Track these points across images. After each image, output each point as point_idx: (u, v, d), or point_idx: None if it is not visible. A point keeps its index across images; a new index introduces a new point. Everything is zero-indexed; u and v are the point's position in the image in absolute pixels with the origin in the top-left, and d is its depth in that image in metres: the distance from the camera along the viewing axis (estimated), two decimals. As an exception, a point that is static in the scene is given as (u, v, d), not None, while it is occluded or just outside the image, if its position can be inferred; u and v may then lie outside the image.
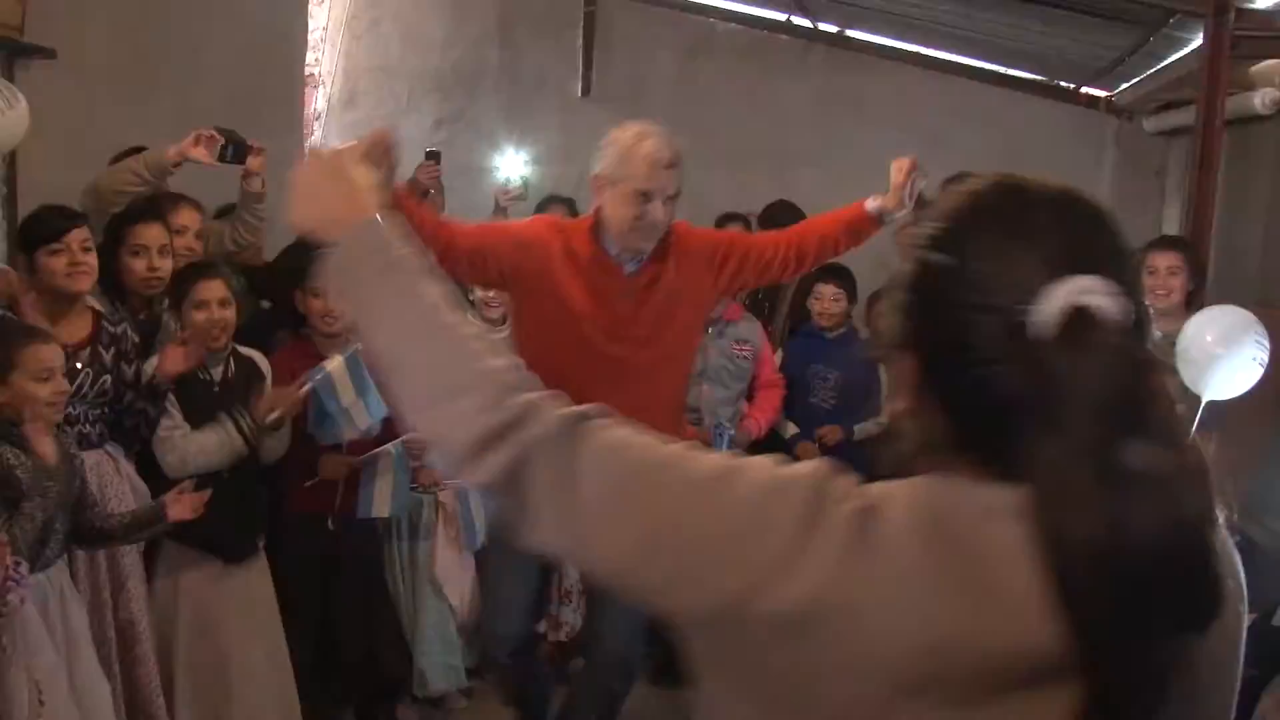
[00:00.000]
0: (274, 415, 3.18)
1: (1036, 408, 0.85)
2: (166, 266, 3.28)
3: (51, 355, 2.69)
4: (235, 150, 3.63)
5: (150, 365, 3.12)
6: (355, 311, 1.18)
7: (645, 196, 2.85)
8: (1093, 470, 0.82)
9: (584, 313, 2.90)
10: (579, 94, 6.29)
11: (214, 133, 3.56)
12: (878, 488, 0.93)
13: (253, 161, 3.69)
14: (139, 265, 3.24)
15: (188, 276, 3.26)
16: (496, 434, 1.01)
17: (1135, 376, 0.85)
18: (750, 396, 4.27)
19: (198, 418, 3.16)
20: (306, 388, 3.23)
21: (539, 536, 1.00)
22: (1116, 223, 0.97)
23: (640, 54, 6.34)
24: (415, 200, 2.63)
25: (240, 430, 3.12)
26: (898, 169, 3.13)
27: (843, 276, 4.49)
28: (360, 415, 3.33)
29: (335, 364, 3.25)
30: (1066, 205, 0.96)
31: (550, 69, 6.30)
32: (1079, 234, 0.93)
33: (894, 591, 0.86)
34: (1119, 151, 6.17)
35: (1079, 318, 0.85)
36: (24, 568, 2.45)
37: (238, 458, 3.14)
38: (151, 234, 3.25)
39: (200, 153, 3.52)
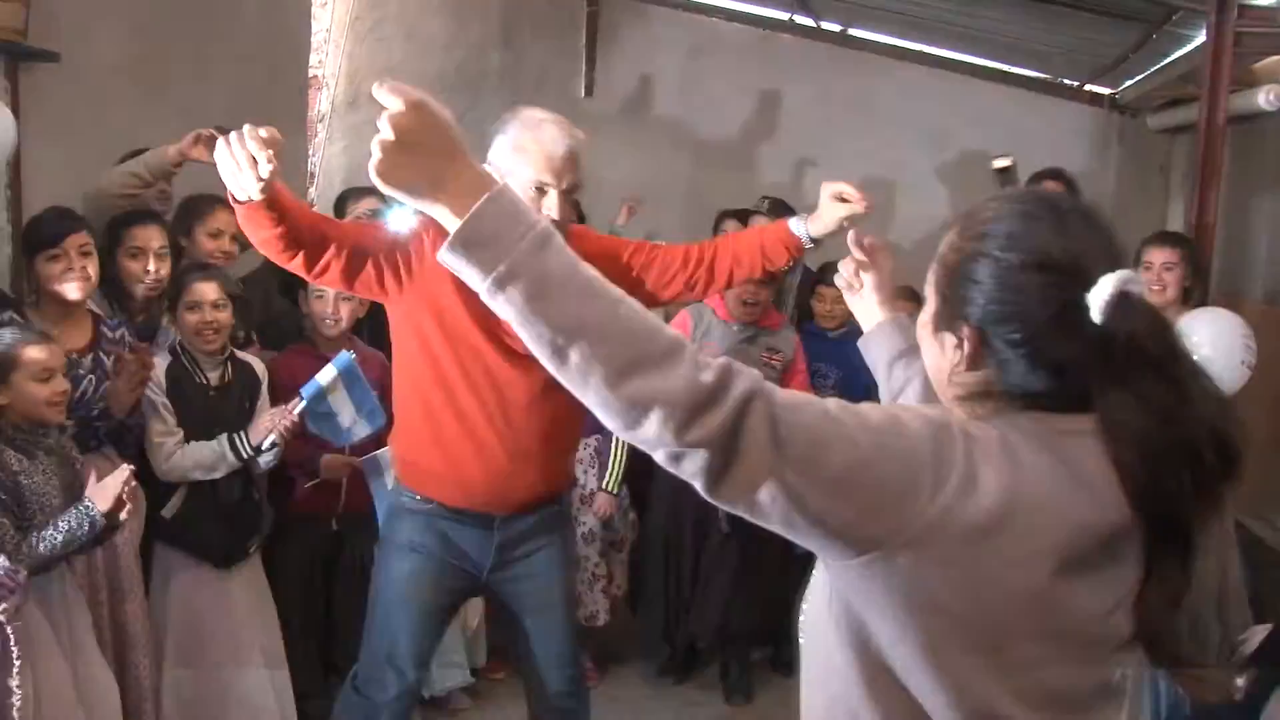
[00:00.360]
0: (270, 439, 3.15)
1: (1098, 361, 1.15)
2: (165, 269, 3.26)
3: (52, 355, 2.69)
4: None
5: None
6: (514, 285, 1.09)
7: (540, 190, 2.46)
8: (1147, 396, 1.14)
9: (466, 326, 2.53)
10: (582, 94, 6.31)
11: (213, 132, 3.55)
12: (982, 423, 1.19)
13: None
14: (136, 267, 3.22)
15: (182, 278, 3.25)
16: (714, 393, 1.09)
17: (1166, 336, 1.17)
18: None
19: (192, 423, 3.14)
20: (300, 407, 3.16)
21: (742, 488, 1.10)
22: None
23: (643, 54, 6.36)
24: (288, 191, 2.37)
25: (237, 453, 3.10)
26: (831, 194, 2.67)
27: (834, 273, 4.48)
28: (358, 426, 3.29)
29: (327, 373, 3.18)
30: (1089, 214, 1.24)
31: (553, 69, 6.32)
32: (1105, 236, 1.22)
33: (1046, 489, 1.13)
34: (1123, 149, 6.18)
35: (1124, 299, 1.14)
36: (21, 575, 2.44)
37: (229, 471, 3.12)
38: (149, 236, 3.24)
39: (200, 152, 3.51)
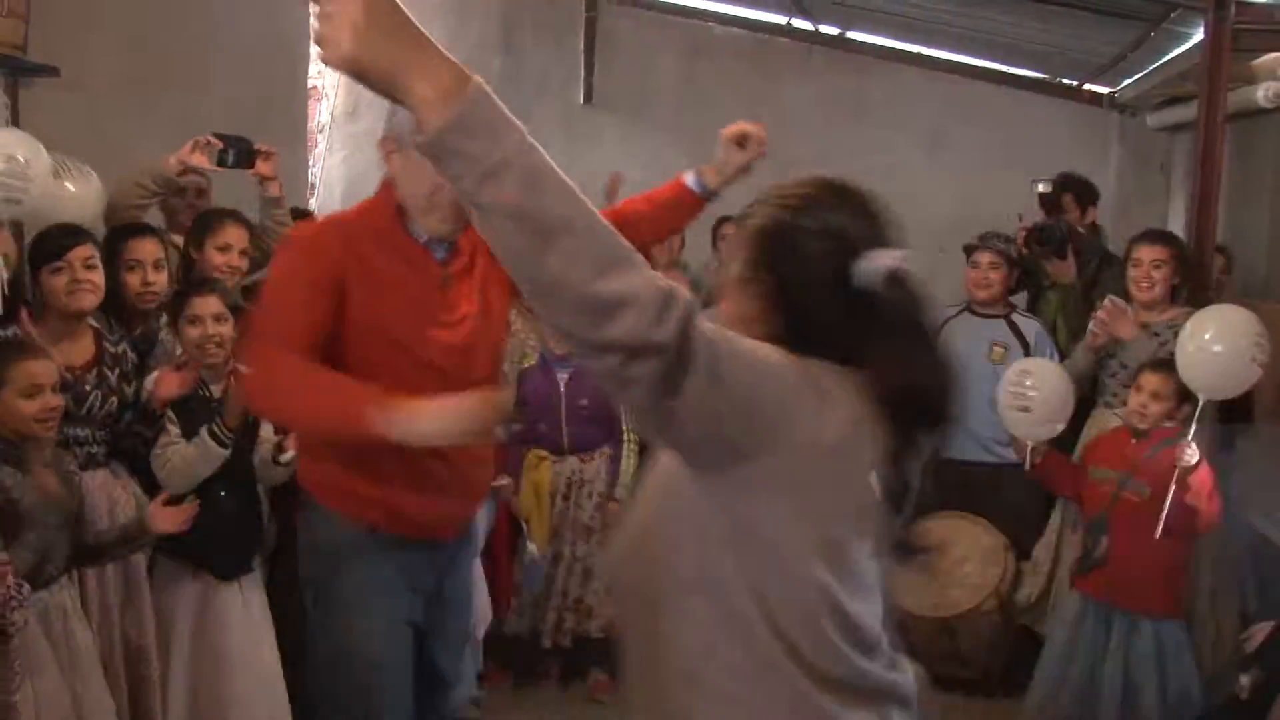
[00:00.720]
0: (288, 455, 3.13)
1: (868, 325, 1.39)
2: (161, 281, 3.26)
3: (41, 371, 2.67)
4: (238, 155, 3.59)
5: (148, 384, 3.11)
6: (509, 174, 1.09)
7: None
8: (909, 355, 1.41)
9: (394, 319, 2.32)
10: (581, 100, 6.32)
11: (210, 138, 3.56)
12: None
13: (263, 166, 3.67)
14: (134, 280, 3.21)
15: (183, 292, 3.24)
16: (671, 295, 1.17)
17: (923, 310, 1.42)
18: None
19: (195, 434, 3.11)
20: None
21: (683, 394, 1.20)
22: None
23: (642, 59, 6.37)
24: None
25: (215, 437, 3.04)
26: (729, 136, 2.54)
27: None
28: None
29: None
30: (868, 199, 1.48)
31: (552, 75, 6.33)
32: (879, 219, 1.45)
33: (854, 413, 1.37)
34: (1123, 148, 6.19)
35: (896, 273, 1.39)
36: (26, 589, 2.44)
37: (221, 463, 3.06)
38: (146, 249, 3.23)
39: (199, 159, 3.52)
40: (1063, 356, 4.29)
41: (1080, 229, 4.46)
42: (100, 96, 4.23)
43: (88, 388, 2.94)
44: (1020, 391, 3.75)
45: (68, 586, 2.75)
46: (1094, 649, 3.51)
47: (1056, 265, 4.37)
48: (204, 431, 3.06)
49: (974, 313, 4.46)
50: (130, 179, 3.55)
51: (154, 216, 3.71)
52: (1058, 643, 3.64)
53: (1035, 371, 3.82)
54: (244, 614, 3.19)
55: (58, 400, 2.70)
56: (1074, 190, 4.75)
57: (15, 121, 3.97)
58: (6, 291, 2.92)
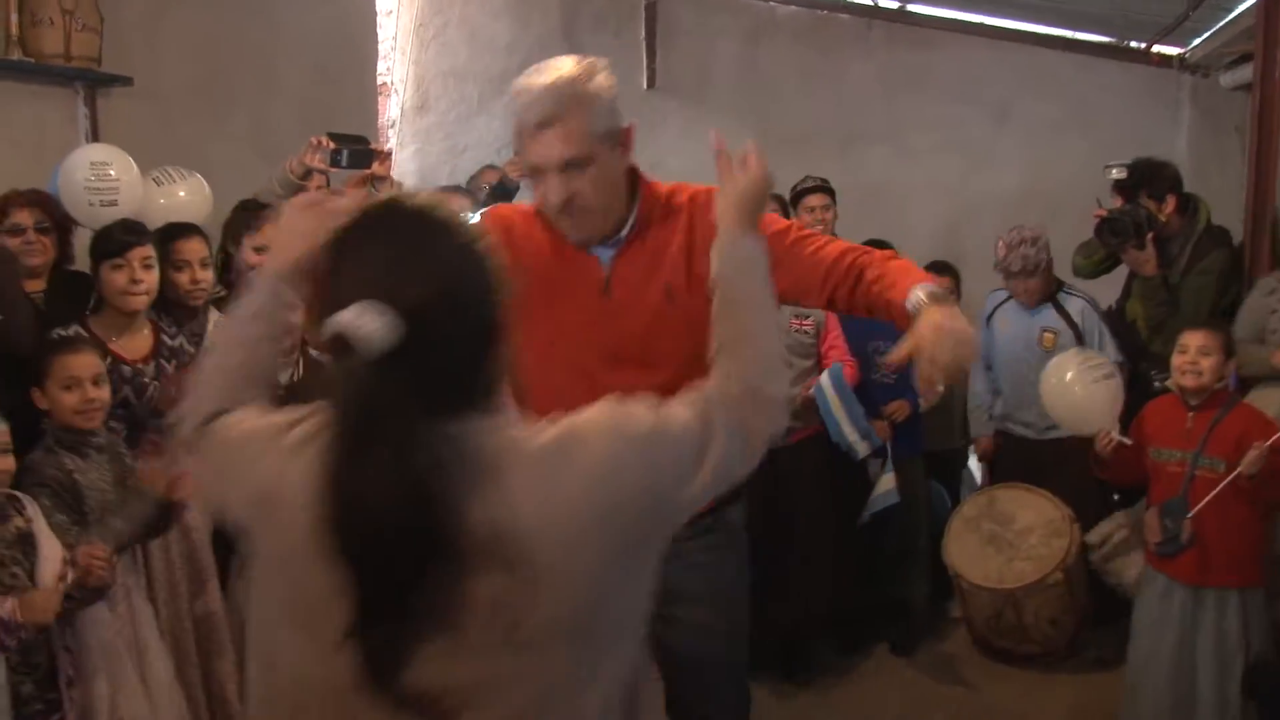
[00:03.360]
0: None
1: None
2: (208, 278, 3.39)
3: (77, 364, 2.83)
4: (352, 156, 3.62)
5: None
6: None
7: (536, 173, 2.07)
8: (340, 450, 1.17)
9: (557, 331, 2.12)
10: (645, 86, 6.37)
11: (324, 139, 3.65)
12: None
13: (378, 167, 3.69)
14: (183, 279, 3.33)
15: (237, 284, 3.39)
16: None
17: (363, 389, 1.16)
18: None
19: None
20: None
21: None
22: (431, 240, 1.27)
23: (702, 43, 6.40)
24: None
25: None
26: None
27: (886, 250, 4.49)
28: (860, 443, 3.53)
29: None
30: (386, 230, 1.27)
31: (614, 63, 6.32)
32: (380, 258, 1.24)
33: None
34: (1195, 110, 6.04)
35: (339, 343, 1.17)
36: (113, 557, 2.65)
37: None
38: (192, 248, 3.36)
39: (317, 160, 3.62)
40: (1126, 340, 4.25)
41: (1163, 217, 4.18)
42: (174, 103, 4.42)
43: (146, 379, 3.09)
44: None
45: (131, 568, 2.92)
46: (1184, 628, 3.47)
47: (1134, 255, 4.16)
48: None
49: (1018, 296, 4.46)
50: (267, 186, 3.73)
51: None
52: (1146, 623, 3.60)
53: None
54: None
55: (97, 393, 2.84)
56: (1146, 184, 4.28)
57: (94, 130, 4.19)
58: None
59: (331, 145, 3.62)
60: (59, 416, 2.84)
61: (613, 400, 1.31)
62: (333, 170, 3.69)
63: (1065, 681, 4.14)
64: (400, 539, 1.14)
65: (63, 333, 3.05)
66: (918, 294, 1.99)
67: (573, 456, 1.23)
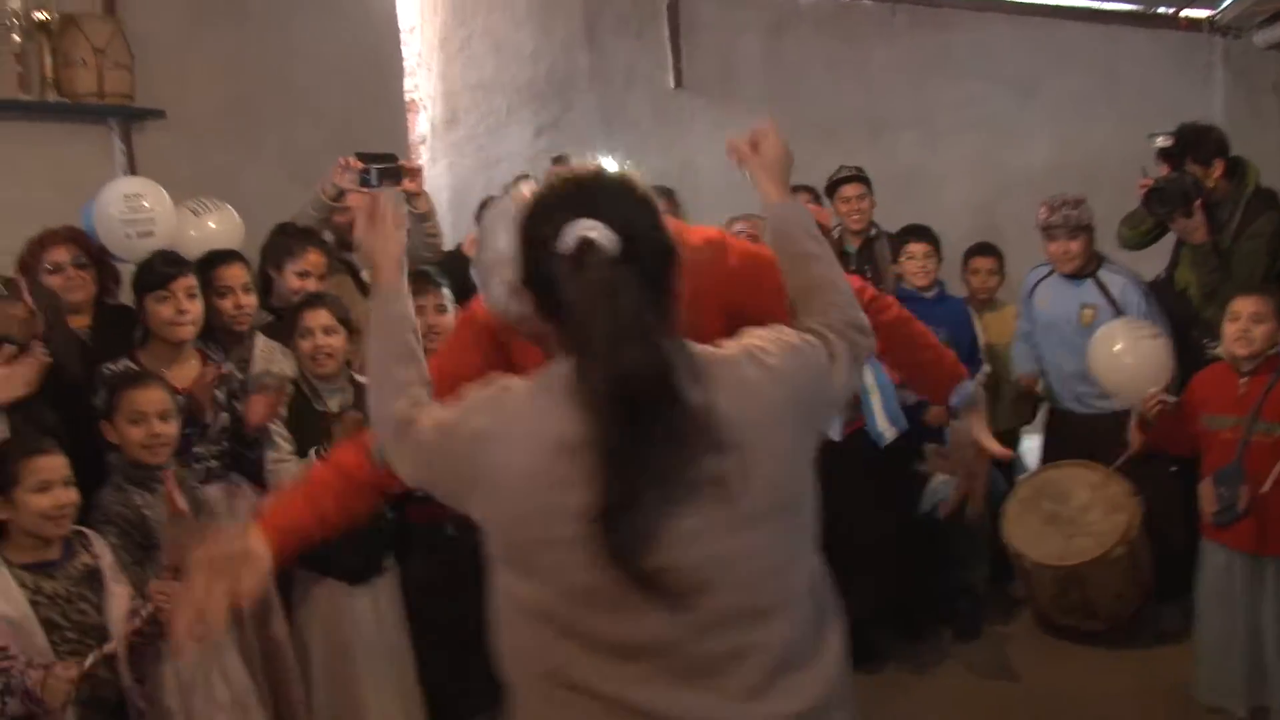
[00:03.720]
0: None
1: (564, 308, 1.35)
2: (251, 303, 3.42)
3: (145, 400, 2.87)
4: (381, 174, 3.65)
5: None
6: None
7: None
8: (593, 343, 1.31)
9: None
10: (671, 85, 6.36)
11: (351, 160, 3.69)
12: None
13: (409, 183, 3.72)
14: (226, 305, 3.36)
15: (295, 307, 3.41)
16: None
17: (615, 278, 1.33)
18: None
19: (309, 448, 3.25)
20: None
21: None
22: (625, 187, 1.44)
23: (726, 38, 6.38)
24: None
25: (322, 459, 3.15)
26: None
27: (928, 235, 4.49)
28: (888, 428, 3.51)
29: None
30: (596, 178, 1.45)
31: (640, 65, 6.38)
32: (595, 193, 1.41)
33: (542, 431, 1.40)
34: (1229, 72, 5.97)
35: (582, 245, 1.34)
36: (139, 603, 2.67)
37: None
38: (234, 274, 3.39)
39: (346, 180, 3.65)
40: (1176, 309, 4.20)
41: (1210, 182, 4.11)
42: (206, 132, 4.47)
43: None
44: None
45: None
46: (1249, 599, 3.44)
47: (1182, 224, 4.08)
48: (312, 454, 3.21)
49: (1061, 275, 4.42)
50: (301, 209, 3.79)
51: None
52: (1210, 597, 3.57)
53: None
54: (375, 614, 3.31)
55: (164, 427, 2.87)
56: (1191, 150, 4.22)
57: (131, 164, 4.25)
58: None
59: (360, 165, 3.64)
60: (127, 451, 2.87)
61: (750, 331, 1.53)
62: (364, 190, 3.72)
63: (1132, 657, 4.10)
64: (653, 415, 1.29)
65: (113, 367, 3.10)
66: (969, 388, 2.33)
67: (756, 360, 1.44)
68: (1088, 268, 4.36)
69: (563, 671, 1.40)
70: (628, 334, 1.29)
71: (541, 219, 1.41)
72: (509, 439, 1.40)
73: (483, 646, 3.57)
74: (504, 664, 1.49)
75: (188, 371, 3.19)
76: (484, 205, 4.60)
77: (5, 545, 2.59)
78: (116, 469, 2.89)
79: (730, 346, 1.47)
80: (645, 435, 1.29)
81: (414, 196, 3.78)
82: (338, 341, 3.34)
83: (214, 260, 3.42)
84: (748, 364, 1.44)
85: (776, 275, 1.74)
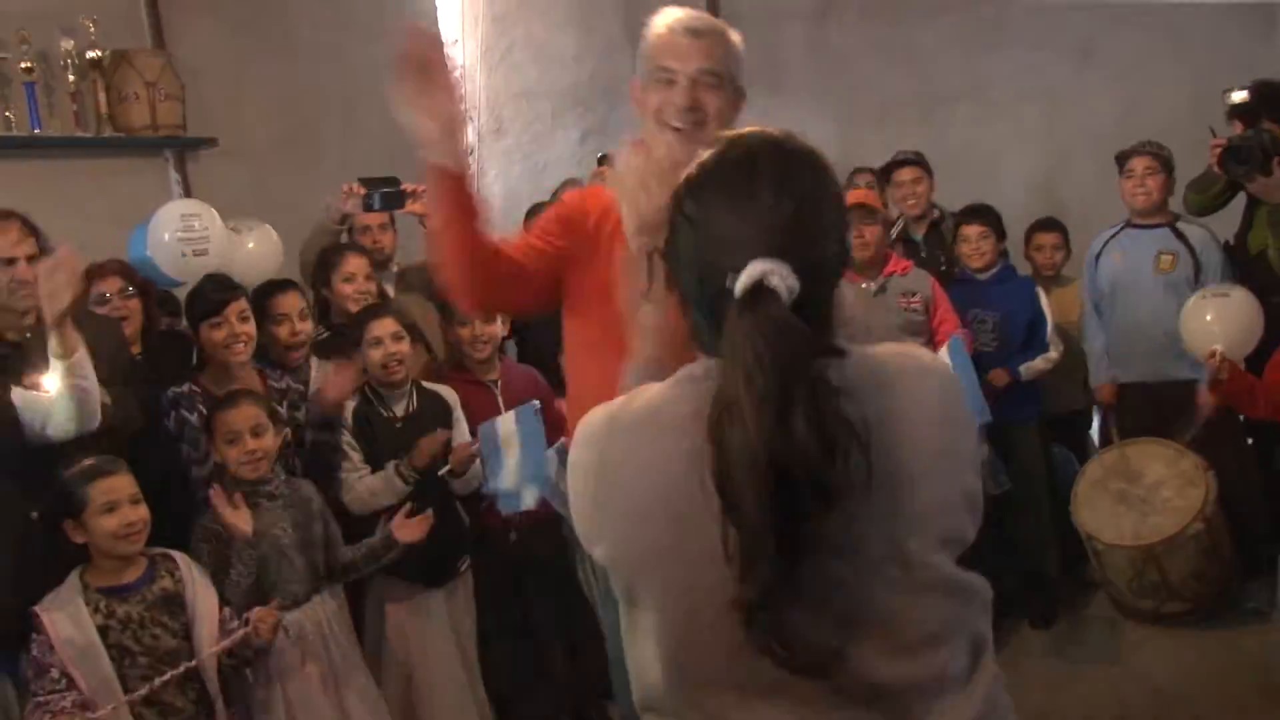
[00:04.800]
0: (446, 468, 3.31)
1: (724, 346, 1.15)
2: (308, 329, 3.49)
3: (239, 418, 2.94)
4: (384, 198, 3.72)
5: (313, 390, 3.36)
6: None
7: (665, 74, 2.12)
8: (749, 403, 1.11)
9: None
10: (715, 80, 6.31)
11: (354, 186, 3.74)
12: None
13: (414, 205, 3.77)
14: (283, 332, 3.43)
15: (360, 319, 3.49)
16: None
17: (784, 340, 1.12)
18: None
19: (383, 457, 3.32)
20: (475, 446, 3.27)
21: None
22: (825, 191, 1.25)
23: (769, 28, 6.30)
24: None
25: (401, 477, 3.27)
26: None
27: (986, 215, 4.39)
28: (523, 490, 3.07)
29: (507, 422, 3.14)
30: (784, 179, 1.22)
31: (683, 60, 6.34)
32: (782, 213, 1.20)
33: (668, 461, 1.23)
34: (1293, 22, 5.76)
35: (758, 290, 1.15)
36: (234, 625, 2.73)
37: (406, 497, 3.26)
38: (290, 302, 3.46)
39: (349, 206, 3.71)
40: (1254, 277, 4.06)
41: None
42: (261, 158, 4.55)
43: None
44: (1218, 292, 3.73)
45: (321, 602, 3.03)
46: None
47: (1261, 183, 3.89)
48: (391, 468, 3.28)
49: (1135, 226, 4.29)
50: (313, 234, 3.85)
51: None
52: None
53: (1233, 290, 3.80)
54: (449, 618, 3.38)
55: (257, 443, 2.94)
56: (1267, 106, 4.07)
57: (187, 192, 4.35)
58: None
59: (362, 190, 3.68)
60: (231, 471, 2.95)
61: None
62: (367, 214, 3.75)
63: (1217, 638, 3.98)
64: (811, 485, 1.11)
65: (178, 390, 3.18)
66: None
67: (915, 360, 1.30)
68: (1163, 217, 4.25)
69: (699, 708, 1.25)
70: (789, 401, 1.11)
71: (712, 224, 1.23)
72: (636, 460, 1.24)
73: (546, 653, 3.61)
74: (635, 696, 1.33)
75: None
76: (530, 213, 4.62)
77: (87, 569, 2.65)
78: (226, 486, 2.94)
79: (890, 347, 1.30)
80: (793, 507, 1.11)
81: (424, 216, 3.79)
82: (406, 348, 3.42)
83: (270, 289, 3.50)
84: (913, 363, 1.29)
85: None
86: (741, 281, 1.16)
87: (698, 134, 2.09)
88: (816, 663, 1.15)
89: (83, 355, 2.71)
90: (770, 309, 1.14)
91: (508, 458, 3.05)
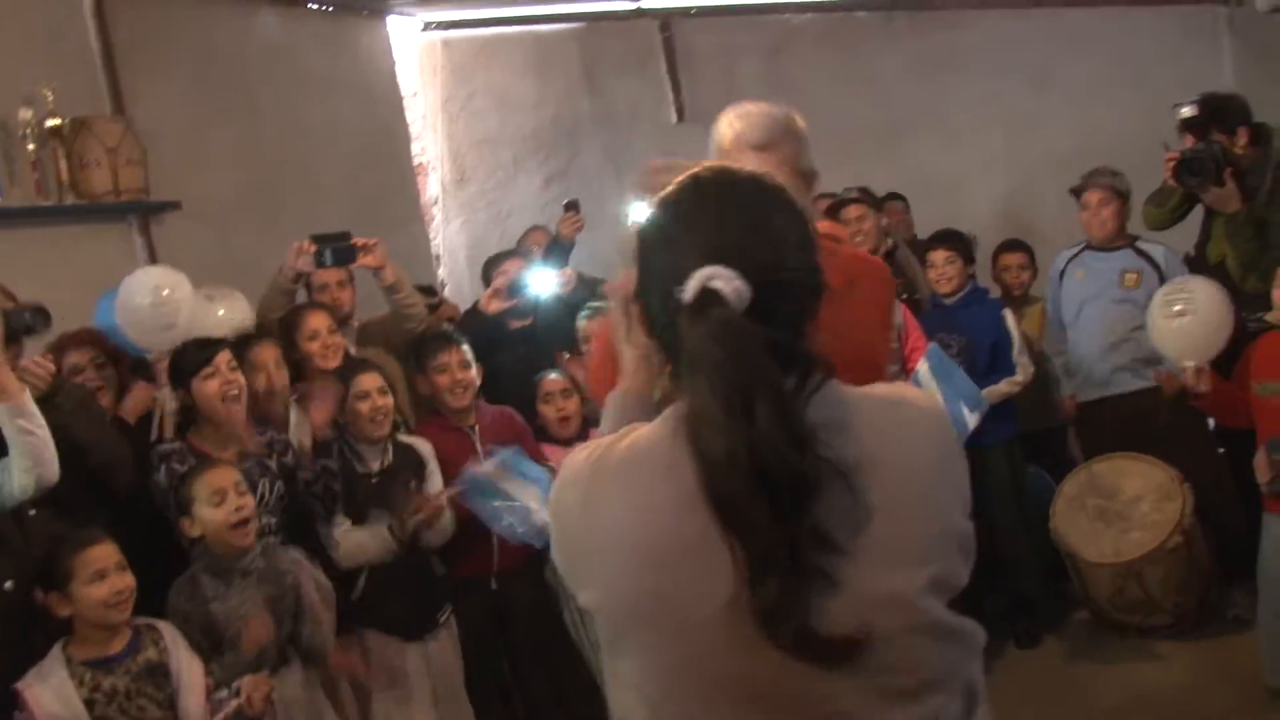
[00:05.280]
0: (418, 517, 3.30)
1: (684, 360, 1.17)
2: (284, 379, 3.47)
3: (221, 477, 2.91)
4: (336, 254, 3.72)
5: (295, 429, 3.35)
6: None
7: None
8: (715, 407, 1.12)
9: None
10: (674, 120, 6.37)
11: (304, 243, 3.74)
12: None
13: (366, 259, 3.78)
14: (260, 380, 3.40)
15: (344, 373, 3.49)
16: None
17: (737, 339, 1.14)
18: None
19: (356, 511, 3.32)
20: (452, 491, 3.31)
21: None
22: (774, 203, 1.26)
23: (726, 65, 6.38)
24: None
25: (394, 535, 3.27)
26: None
27: (952, 240, 4.44)
28: (524, 517, 3.28)
29: (491, 467, 3.24)
30: (728, 195, 1.25)
31: (641, 103, 6.40)
32: (726, 224, 1.22)
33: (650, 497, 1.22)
34: (1236, 39, 5.90)
35: (706, 296, 1.16)
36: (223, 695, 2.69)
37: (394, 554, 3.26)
38: (266, 352, 3.46)
39: (303, 262, 3.71)
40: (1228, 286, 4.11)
41: (1238, 150, 4.02)
42: (223, 219, 4.54)
43: (255, 478, 3.15)
44: (1176, 299, 3.69)
45: (291, 674, 2.97)
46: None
47: (1215, 194, 3.96)
48: (385, 529, 3.27)
49: (1095, 249, 4.36)
50: (268, 293, 3.83)
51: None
52: (1271, 571, 3.48)
53: (1194, 285, 3.74)
54: (428, 670, 3.35)
55: (241, 502, 2.90)
56: (1216, 119, 4.14)
57: (152, 256, 4.32)
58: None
59: (313, 248, 3.68)
60: (214, 540, 2.88)
61: None
62: (318, 271, 3.76)
63: (1202, 648, 3.99)
64: (786, 478, 1.11)
65: (169, 447, 3.15)
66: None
67: (908, 401, 1.29)
68: (1122, 240, 4.32)
69: None
70: (750, 397, 1.12)
71: (664, 246, 1.25)
72: (624, 503, 1.22)
73: (537, 691, 3.56)
74: None
75: (236, 448, 3.22)
76: (489, 263, 4.64)
77: (70, 641, 2.61)
78: (196, 558, 2.90)
79: (879, 390, 1.30)
80: (779, 508, 1.11)
81: (379, 270, 3.80)
82: (389, 402, 3.44)
83: (246, 341, 3.49)
84: (900, 406, 1.28)
85: None
86: (689, 288, 1.17)
87: None
88: (842, 651, 1.12)
89: (28, 401, 2.64)
90: (719, 312, 1.15)
91: (514, 497, 3.22)
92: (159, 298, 3.49)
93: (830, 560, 1.13)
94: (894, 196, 5.47)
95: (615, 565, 1.21)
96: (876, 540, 1.17)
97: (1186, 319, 3.63)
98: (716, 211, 1.24)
